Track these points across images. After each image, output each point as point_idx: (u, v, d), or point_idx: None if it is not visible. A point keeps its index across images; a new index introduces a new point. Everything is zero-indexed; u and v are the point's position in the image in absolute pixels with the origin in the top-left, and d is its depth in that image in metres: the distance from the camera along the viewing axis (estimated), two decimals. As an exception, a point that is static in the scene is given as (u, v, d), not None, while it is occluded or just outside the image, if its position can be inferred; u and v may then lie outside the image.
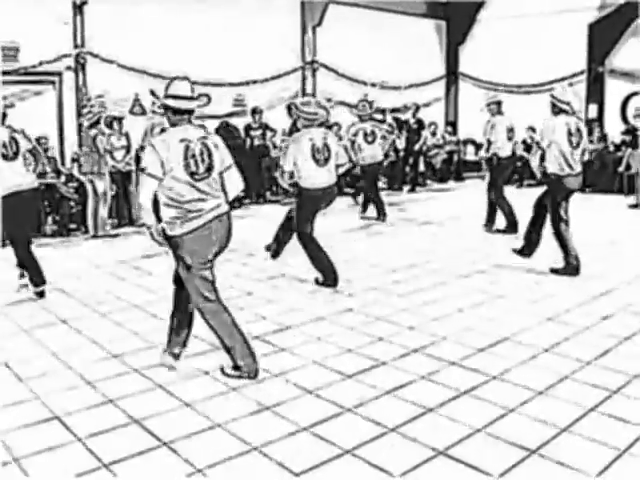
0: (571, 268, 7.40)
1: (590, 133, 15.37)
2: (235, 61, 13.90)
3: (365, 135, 11.16)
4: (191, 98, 4.58)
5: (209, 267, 4.64)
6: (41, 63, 12.07)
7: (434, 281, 7.36)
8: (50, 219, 10.84)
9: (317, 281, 7.18)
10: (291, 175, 7.02)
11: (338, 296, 6.83)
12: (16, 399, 4.43)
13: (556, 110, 7.40)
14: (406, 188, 15.80)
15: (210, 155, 4.59)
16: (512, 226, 9.85)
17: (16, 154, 6.65)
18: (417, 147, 15.73)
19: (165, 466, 3.61)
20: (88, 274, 7.90)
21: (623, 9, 16.07)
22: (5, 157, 6.54)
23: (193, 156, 4.49)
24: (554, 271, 7.48)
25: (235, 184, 4.82)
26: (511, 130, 10.21)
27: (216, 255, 4.67)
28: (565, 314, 6.10)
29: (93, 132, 10.36)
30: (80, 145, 11.27)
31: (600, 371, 4.79)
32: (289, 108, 13.18)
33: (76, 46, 12.55)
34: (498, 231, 10.05)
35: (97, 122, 10.55)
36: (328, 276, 7.10)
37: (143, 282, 7.43)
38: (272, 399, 4.38)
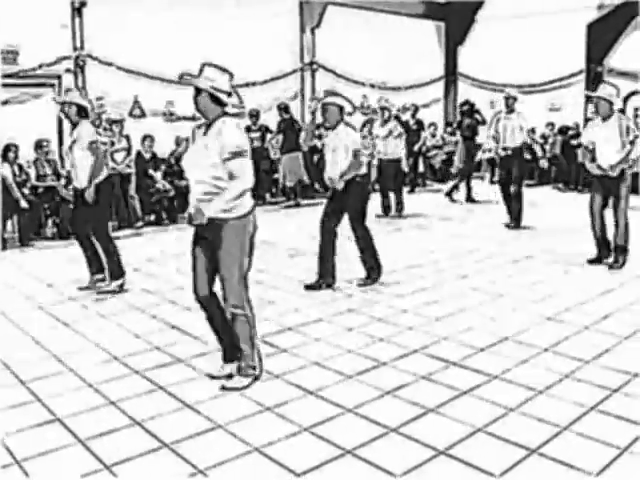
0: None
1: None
2: (234, 62, 13.75)
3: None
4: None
5: None
6: (40, 66, 12.08)
7: (434, 281, 7.37)
8: (50, 222, 10.86)
9: (309, 286, 7.16)
10: None
11: (338, 296, 6.84)
12: (17, 401, 4.44)
13: (615, 109, 7.69)
14: (405, 189, 15.80)
15: None
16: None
17: None
18: (416, 148, 15.74)
19: (167, 467, 3.62)
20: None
21: (621, 9, 16.09)
22: None
23: None
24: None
25: None
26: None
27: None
28: (565, 313, 6.12)
29: None
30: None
31: (600, 370, 4.80)
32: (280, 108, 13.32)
33: (75, 49, 12.56)
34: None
35: (98, 125, 10.60)
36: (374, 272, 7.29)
37: (146, 285, 7.43)
38: (273, 400, 4.39)
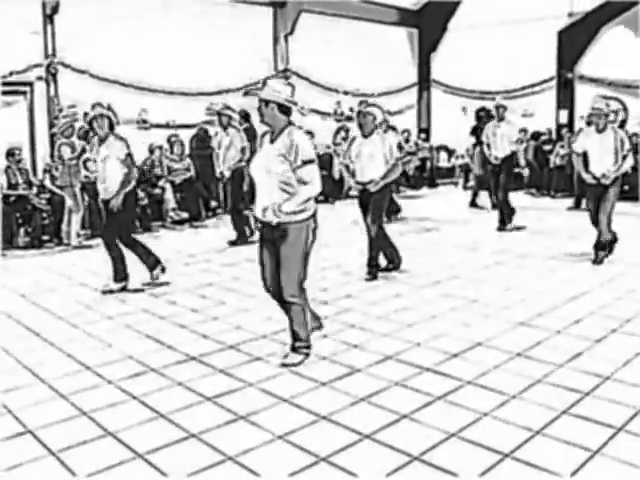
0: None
1: (561, 139, 15.56)
2: (208, 70, 13.88)
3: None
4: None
5: None
6: (11, 73, 11.96)
7: (408, 287, 7.39)
8: (22, 231, 10.74)
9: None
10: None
11: (312, 304, 6.82)
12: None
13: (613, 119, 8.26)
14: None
15: None
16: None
17: None
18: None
19: (140, 478, 3.59)
20: (61, 286, 7.84)
21: (591, 16, 16.32)
22: None
23: None
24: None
25: None
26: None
27: None
28: (537, 318, 6.16)
29: (58, 142, 10.39)
30: (52, 156, 11.22)
31: (572, 374, 4.84)
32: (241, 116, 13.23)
33: (47, 56, 12.46)
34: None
35: (71, 133, 10.58)
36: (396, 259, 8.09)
37: (118, 294, 7.38)
38: (246, 408, 4.37)
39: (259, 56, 15.29)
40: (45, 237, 10.67)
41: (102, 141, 7.29)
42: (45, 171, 11.15)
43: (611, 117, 8.15)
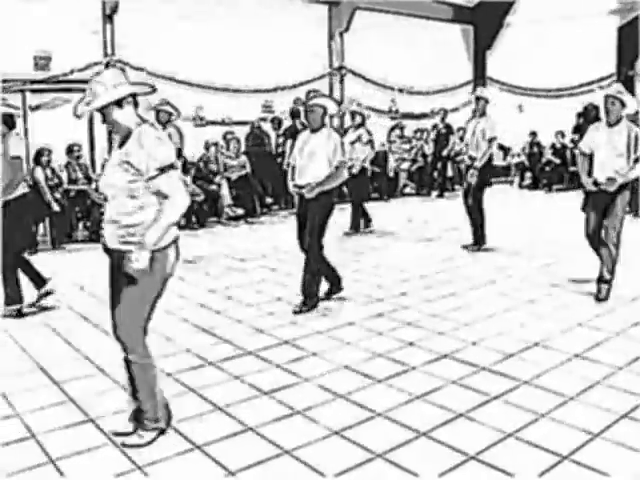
0: None
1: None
2: (263, 68, 13.98)
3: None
4: None
5: None
6: (72, 71, 12.23)
7: (464, 286, 7.35)
8: (81, 225, 10.99)
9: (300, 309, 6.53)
10: None
11: (368, 301, 6.84)
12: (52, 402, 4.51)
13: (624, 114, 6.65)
14: (434, 193, 15.80)
15: None
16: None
17: None
18: (445, 152, 15.71)
19: (199, 469, 3.66)
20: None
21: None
22: None
23: None
24: None
25: None
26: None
27: None
28: (595, 319, 6.07)
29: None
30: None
31: (632, 377, 4.76)
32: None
33: (106, 54, 12.70)
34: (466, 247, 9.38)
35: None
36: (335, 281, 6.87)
37: (173, 287, 7.47)
38: (303, 403, 4.41)
39: (314, 54, 15.32)
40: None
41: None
42: (103, 167, 11.36)
43: (628, 110, 6.58)
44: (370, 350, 5.38)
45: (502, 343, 5.49)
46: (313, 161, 6.42)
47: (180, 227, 10.41)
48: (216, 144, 12.68)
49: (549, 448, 3.76)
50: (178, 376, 4.92)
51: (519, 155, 17.81)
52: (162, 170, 3.64)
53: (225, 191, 12.34)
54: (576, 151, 8.39)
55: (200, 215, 11.83)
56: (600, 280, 6.71)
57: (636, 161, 6.45)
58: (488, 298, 6.86)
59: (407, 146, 16.16)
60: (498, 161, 18.33)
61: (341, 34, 15.77)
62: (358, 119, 11.17)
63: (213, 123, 13.87)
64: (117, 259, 3.79)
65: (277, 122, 13.95)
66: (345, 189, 11.51)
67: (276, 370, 5.02)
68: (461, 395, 4.52)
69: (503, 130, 17.66)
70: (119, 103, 3.74)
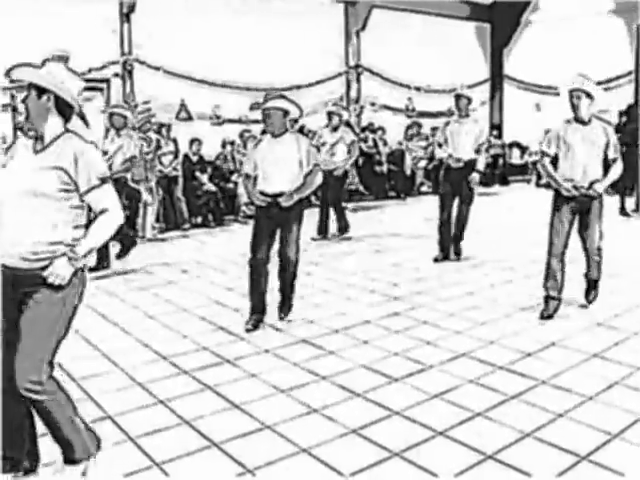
0: None
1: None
2: (279, 66, 13.99)
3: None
4: None
5: None
6: (90, 70, 12.29)
7: (481, 285, 7.32)
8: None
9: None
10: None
11: (384, 300, 6.83)
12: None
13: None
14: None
15: None
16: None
17: None
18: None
19: (215, 466, 3.67)
20: (138, 278, 8.03)
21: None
22: None
23: None
24: None
25: None
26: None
27: None
28: (614, 319, 6.03)
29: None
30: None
31: None
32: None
33: (123, 53, 12.77)
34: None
35: (148, 128, 10.87)
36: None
37: (190, 285, 7.52)
38: (320, 402, 4.41)
39: (331, 52, 15.33)
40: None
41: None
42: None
43: (599, 105, 6.13)
44: (386, 349, 5.37)
45: (520, 342, 5.47)
46: (282, 168, 5.95)
47: (196, 226, 10.59)
48: (232, 142, 12.72)
49: (567, 448, 3.74)
50: (195, 374, 4.94)
51: (536, 153, 17.72)
52: (103, 181, 3.39)
53: (242, 189, 12.35)
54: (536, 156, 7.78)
55: (217, 213, 11.86)
56: (589, 283, 6.44)
57: (614, 161, 6.04)
58: (503, 297, 6.84)
59: (424, 144, 16.11)
60: (515, 160, 18.30)
61: (358, 32, 15.77)
62: (335, 120, 10.54)
63: (230, 121, 13.91)
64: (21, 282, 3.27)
65: (293, 121, 13.93)
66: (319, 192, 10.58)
67: (293, 368, 5.03)
68: (478, 394, 4.51)
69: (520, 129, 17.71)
70: (41, 92, 3.42)
